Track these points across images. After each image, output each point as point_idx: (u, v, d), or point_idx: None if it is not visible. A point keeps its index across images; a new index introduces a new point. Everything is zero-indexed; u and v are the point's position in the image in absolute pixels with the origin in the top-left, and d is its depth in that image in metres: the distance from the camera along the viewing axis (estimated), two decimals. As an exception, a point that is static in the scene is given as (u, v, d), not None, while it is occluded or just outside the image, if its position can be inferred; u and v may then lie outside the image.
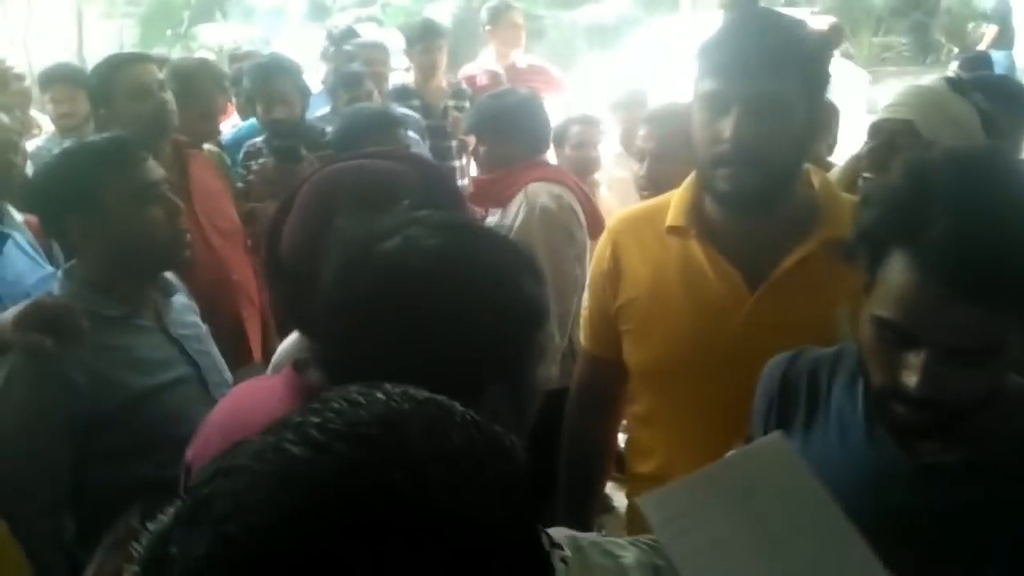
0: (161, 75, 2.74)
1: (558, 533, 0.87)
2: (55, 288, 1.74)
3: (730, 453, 1.04)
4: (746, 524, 0.89)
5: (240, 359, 2.34)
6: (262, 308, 2.75)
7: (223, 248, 2.59)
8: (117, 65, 2.70)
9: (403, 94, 4.03)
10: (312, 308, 0.97)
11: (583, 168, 3.21)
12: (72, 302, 1.61)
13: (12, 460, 1.55)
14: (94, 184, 1.65)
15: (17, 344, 1.53)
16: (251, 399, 1.21)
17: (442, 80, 4.15)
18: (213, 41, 10.46)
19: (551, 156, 3.05)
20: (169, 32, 11.91)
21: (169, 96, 2.65)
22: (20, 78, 3.67)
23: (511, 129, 2.66)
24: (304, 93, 3.20)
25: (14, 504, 1.45)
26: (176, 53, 8.59)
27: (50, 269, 2.24)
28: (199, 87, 3.05)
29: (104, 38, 11.41)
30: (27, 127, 2.89)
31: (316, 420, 0.49)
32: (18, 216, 2.48)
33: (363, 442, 0.47)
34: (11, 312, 1.60)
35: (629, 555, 0.91)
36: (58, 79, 3.33)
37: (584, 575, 0.86)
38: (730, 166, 1.34)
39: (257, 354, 2.62)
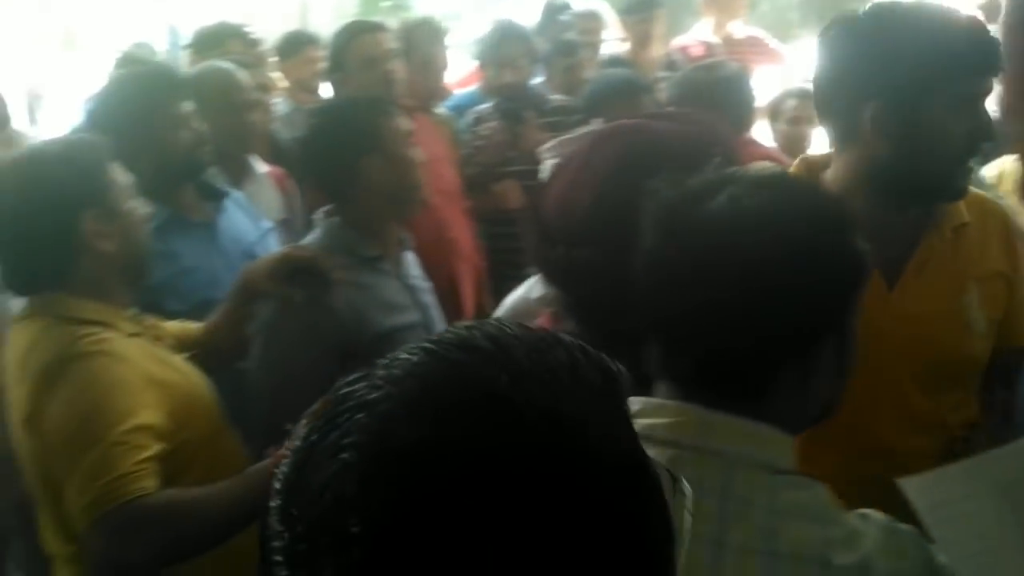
0: (392, 45, 2.88)
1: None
2: (279, 237, 1.90)
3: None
4: (1012, 516, 0.84)
5: (451, 315, 2.43)
6: (476, 266, 2.85)
7: (440, 208, 2.70)
8: (353, 33, 2.86)
9: (614, 64, 4.00)
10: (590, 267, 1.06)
11: (796, 143, 3.09)
12: (320, 251, 1.77)
13: (285, 385, 1.70)
14: (378, 130, 1.85)
15: (267, 292, 1.72)
16: None
17: (657, 51, 4.09)
18: (428, 12, 10.75)
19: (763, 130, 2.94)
20: (386, 3, 12.40)
21: (396, 66, 2.78)
22: (258, 42, 3.95)
23: (715, 104, 2.56)
24: (533, 59, 3.24)
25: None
26: (393, 23, 8.90)
27: (268, 224, 2.40)
28: (425, 50, 3.15)
29: (326, 7, 12.04)
30: (269, 87, 3.09)
31: (436, 338, 0.53)
32: (262, 168, 2.68)
33: (473, 351, 0.50)
34: (264, 261, 1.77)
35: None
36: (296, 45, 3.55)
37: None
38: (974, 160, 1.37)
39: (469, 311, 2.71)
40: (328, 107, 2.02)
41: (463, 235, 2.76)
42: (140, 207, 1.63)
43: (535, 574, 0.45)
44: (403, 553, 0.44)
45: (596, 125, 2.22)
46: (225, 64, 2.61)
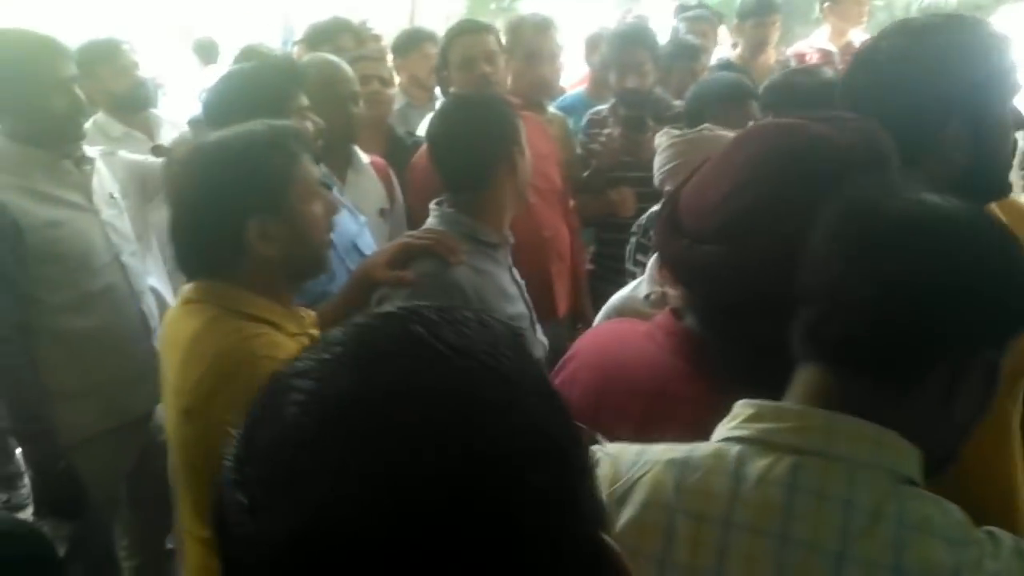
0: (494, 47, 2.88)
1: None
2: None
3: None
4: None
5: (544, 313, 2.40)
6: (573, 268, 2.82)
7: (537, 206, 2.68)
8: (457, 33, 2.88)
9: (726, 69, 3.91)
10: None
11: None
12: (443, 230, 1.84)
13: None
14: (517, 129, 1.95)
15: (384, 280, 1.76)
16: (621, 342, 1.27)
17: (771, 57, 3.98)
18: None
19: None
20: (493, 6, 12.51)
21: (491, 68, 2.79)
22: (377, 38, 4.03)
23: (800, 111, 2.44)
24: (658, 64, 3.18)
25: None
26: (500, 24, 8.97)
27: (364, 218, 2.42)
28: (529, 45, 3.13)
29: (434, 8, 12.23)
30: (388, 82, 3.14)
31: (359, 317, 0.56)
32: (365, 159, 2.72)
33: (388, 316, 0.54)
34: (382, 251, 1.85)
35: None
36: (413, 41, 3.59)
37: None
38: None
39: (562, 309, 2.68)
40: (467, 102, 2.04)
41: (559, 235, 2.73)
42: (323, 203, 1.61)
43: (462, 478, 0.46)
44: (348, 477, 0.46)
45: (707, 128, 2.16)
46: (330, 56, 2.66)
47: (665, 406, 1.13)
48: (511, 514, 0.47)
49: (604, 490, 0.89)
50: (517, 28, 3.23)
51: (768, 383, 1.01)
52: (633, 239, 2.50)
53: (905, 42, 1.40)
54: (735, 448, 0.89)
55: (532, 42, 3.16)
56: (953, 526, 0.83)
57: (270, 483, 0.47)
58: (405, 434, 0.46)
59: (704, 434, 1.03)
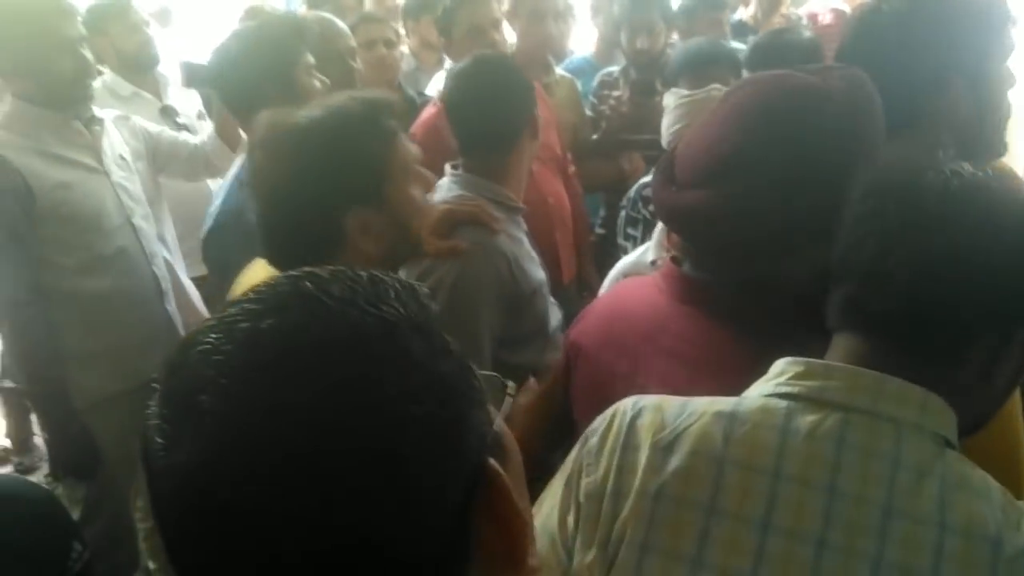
0: (498, 13, 2.84)
1: None
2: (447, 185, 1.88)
3: None
4: None
5: (550, 280, 2.40)
6: (577, 233, 2.80)
7: (541, 173, 2.66)
8: (458, 2, 2.83)
9: (739, 30, 3.86)
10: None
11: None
12: (480, 201, 1.80)
13: (466, 334, 1.69)
14: (535, 94, 1.94)
15: (432, 249, 1.67)
16: (629, 291, 1.35)
17: (782, 18, 3.92)
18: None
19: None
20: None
21: (501, 36, 2.77)
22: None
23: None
24: (671, 24, 3.12)
25: None
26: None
27: None
28: (531, 5, 3.07)
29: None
30: (394, 42, 3.10)
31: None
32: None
33: (300, 273, 0.58)
34: (427, 219, 1.78)
35: None
36: (423, 6, 3.54)
37: None
38: None
39: (567, 276, 2.67)
40: (491, 65, 1.99)
41: (562, 202, 2.69)
42: (422, 182, 1.48)
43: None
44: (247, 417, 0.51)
45: (716, 88, 2.12)
46: (323, 13, 2.64)
47: (662, 341, 1.18)
48: (393, 442, 0.51)
49: (648, 438, 0.91)
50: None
51: (759, 321, 1.07)
52: (623, 212, 2.44)
53: (905, 6, 1.40)
54: (783, 403, 0.90)
55: (534, 6, 3.06)
56: (993, 490, 0.85)
57: (177, 422, 0.53)
58: (289, 375, 0.51)
59: (698, 369, 1.10)
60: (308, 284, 0.56)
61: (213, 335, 0.54)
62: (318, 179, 1.32)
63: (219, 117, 2.71)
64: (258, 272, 1.48)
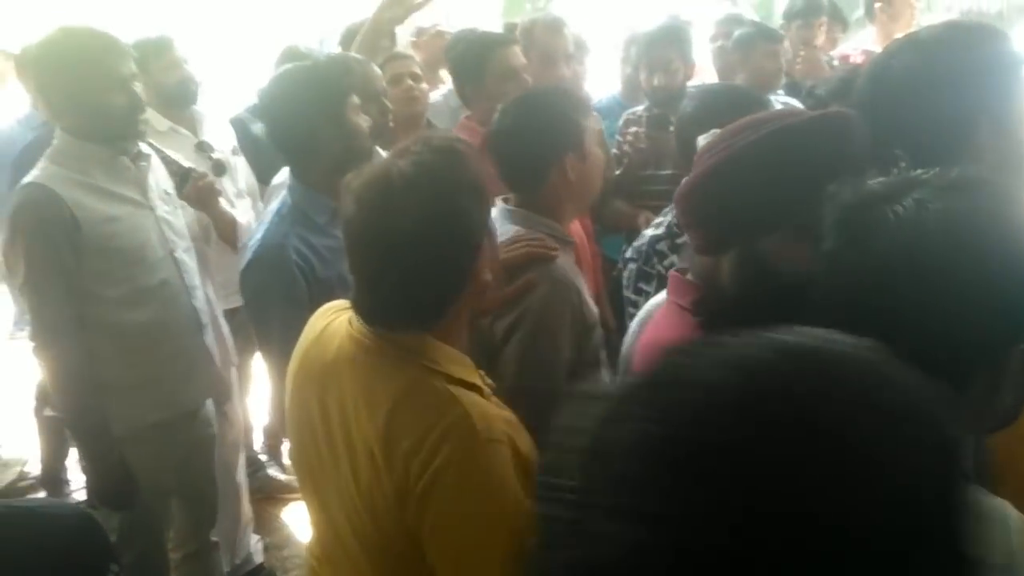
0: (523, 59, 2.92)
1: None
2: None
3: None
4: None
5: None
6: (592, 272, 2.80)
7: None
8: (489, 46, 2.88)
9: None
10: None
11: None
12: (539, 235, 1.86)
13: (546, 361, 1.76)
14: (580, 127, 1.93)
15: (505, 298, 1.73)
16: (658, 324, 1.46)
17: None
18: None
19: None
20: (529, 6, 12.51)
21: (527, 79, 2.84)
22: (442, 35, 4.05)
23: None
24: (689, 63, 3.16)
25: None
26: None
27: None
28: (544, 46, 3.16)
29: (469, 9, 12.24)
30: (419, 78, 3.15)
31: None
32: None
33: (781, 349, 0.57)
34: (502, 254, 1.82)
35: None
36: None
37: None
38: None
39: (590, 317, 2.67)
40: (532, 100, 2.02)
41: (581, 241, 2.70)
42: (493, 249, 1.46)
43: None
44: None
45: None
46: (356, 55, 2.69)
47: None
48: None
49: None
50: (530, 31, 3.22)
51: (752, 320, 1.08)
52: (633, 266, 2.34)
53: (918, 59, 1.42)
54: None
55: (545, 43, 3.16)
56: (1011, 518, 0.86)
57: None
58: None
59: None
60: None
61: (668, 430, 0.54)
62: (439, 230, 1.28)
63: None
64: (328, 318, 1.49)
